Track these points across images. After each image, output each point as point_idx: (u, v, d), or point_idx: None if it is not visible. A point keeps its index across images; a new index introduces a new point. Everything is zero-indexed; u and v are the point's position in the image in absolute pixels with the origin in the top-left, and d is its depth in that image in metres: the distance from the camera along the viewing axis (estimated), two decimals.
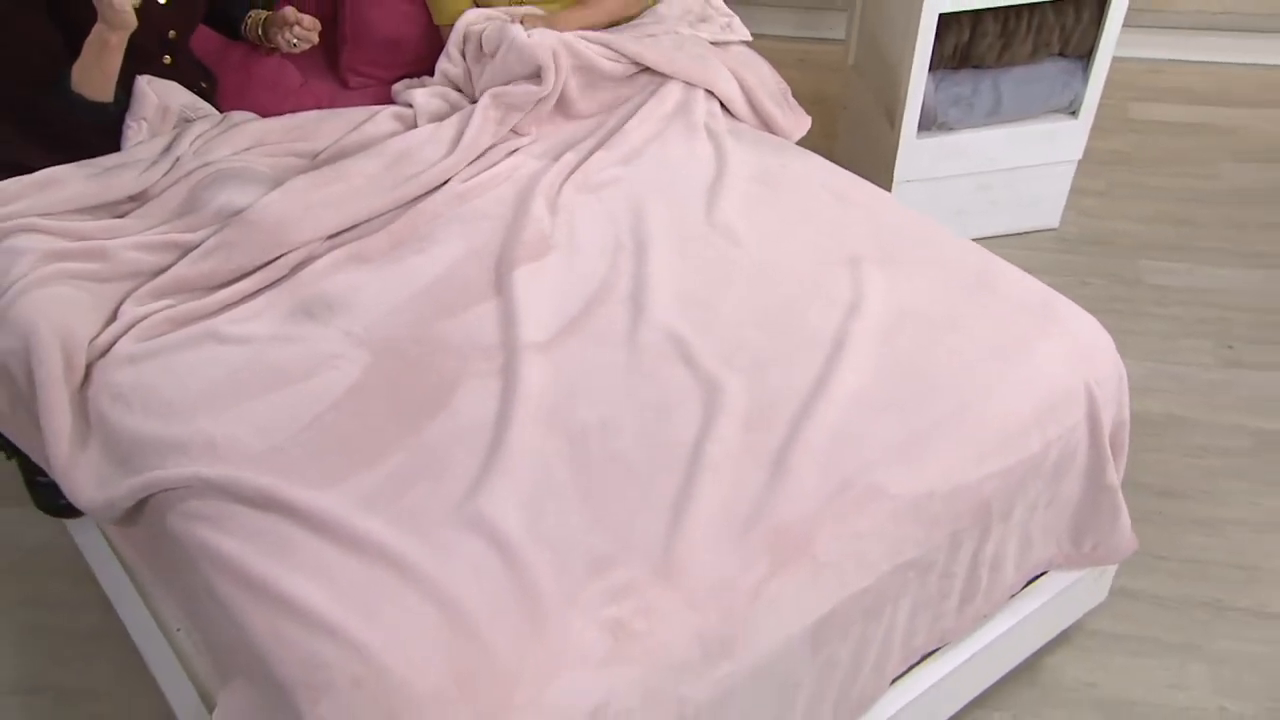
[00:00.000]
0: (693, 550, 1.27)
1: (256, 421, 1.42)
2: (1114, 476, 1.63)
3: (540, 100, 1.93)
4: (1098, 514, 1.66)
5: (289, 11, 1.94)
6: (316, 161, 1.83)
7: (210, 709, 1.59)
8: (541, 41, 1.91)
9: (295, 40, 1.92)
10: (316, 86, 2.14)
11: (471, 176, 1.83)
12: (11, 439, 1.60)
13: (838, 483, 1.35)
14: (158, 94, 1.80)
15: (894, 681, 1.55)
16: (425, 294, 1.62)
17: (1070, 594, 1.77)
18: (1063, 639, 1.88)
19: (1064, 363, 1.53)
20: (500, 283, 1.63)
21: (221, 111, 1.92)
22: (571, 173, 1.85)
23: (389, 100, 2.08)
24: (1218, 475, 2.19)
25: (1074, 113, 2.61)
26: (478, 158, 1.86)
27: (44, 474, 1.86)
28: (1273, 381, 2.40)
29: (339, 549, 1.26)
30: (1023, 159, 2.64)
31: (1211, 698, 1.81)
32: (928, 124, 2.54)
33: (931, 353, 1.51)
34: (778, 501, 1.32)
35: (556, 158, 1.89)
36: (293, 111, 1.95)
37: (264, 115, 1.93)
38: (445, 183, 1.81)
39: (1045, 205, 2.77)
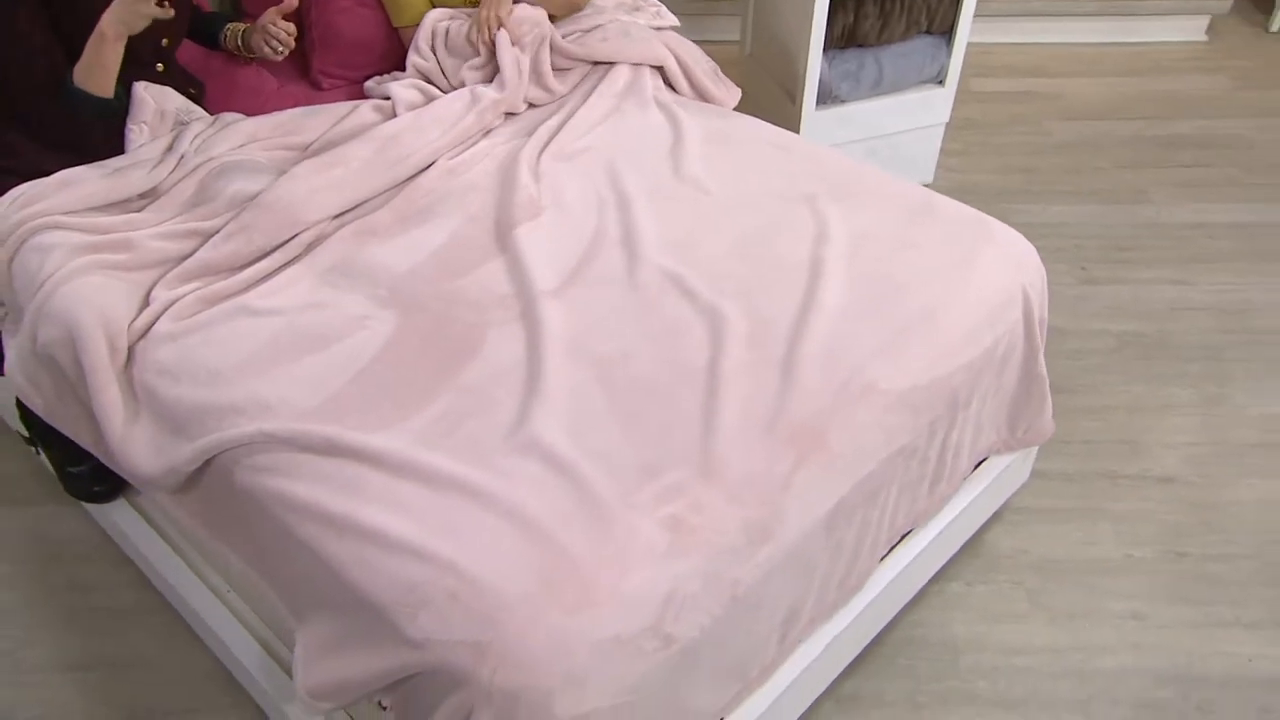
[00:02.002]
0: (728, 451, 1.23)
1: (303, 381, 1.32)
2: (1042, 366, 1.65)
3: (496, 101, 1.84)
4: (1029, 400, 1.68)
5: (268, 16, 1.82)
6: (309, 152, 1.71)
7: (275, 657, 1.48)
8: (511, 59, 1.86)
9: (279, 45, 1.79)
10: (293, 89, 2.01)
11: (455, 156, 1.74)
12: (59, 427, 1.45)
13: (838, 384, 1.33)
14: (154, 99, 1.66)
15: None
16: (436, 257, 1.53)
17: (1003, 478, 1.79)
18: (996, 517, 1.91)
19: (1004, 270, 1.54)
20: (503, 242, 1.56)
21: (211, 114, 1.78)
22: (545, 146, 1.78)
23: (361, 97, 1.96)
24: (1093, 371, 2.26)
25: (941, 82, 2.65)
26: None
27: (76, 463, 1.71)
28: (1121, 292, 2.49)
29: (409, 482, 1.18)
30: (902, 124, 2.67)
31: (1118, 549, 1.87)
32: (824, 98, 2.53)
33: (896, 268, 1.50)
34: (792, 404, 1.29)
35: (528, 135, 1.82)
36: (275, 112, 1.83)
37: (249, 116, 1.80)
38: (432, 163, 1.72)
39: (921, 164, 2.81)
